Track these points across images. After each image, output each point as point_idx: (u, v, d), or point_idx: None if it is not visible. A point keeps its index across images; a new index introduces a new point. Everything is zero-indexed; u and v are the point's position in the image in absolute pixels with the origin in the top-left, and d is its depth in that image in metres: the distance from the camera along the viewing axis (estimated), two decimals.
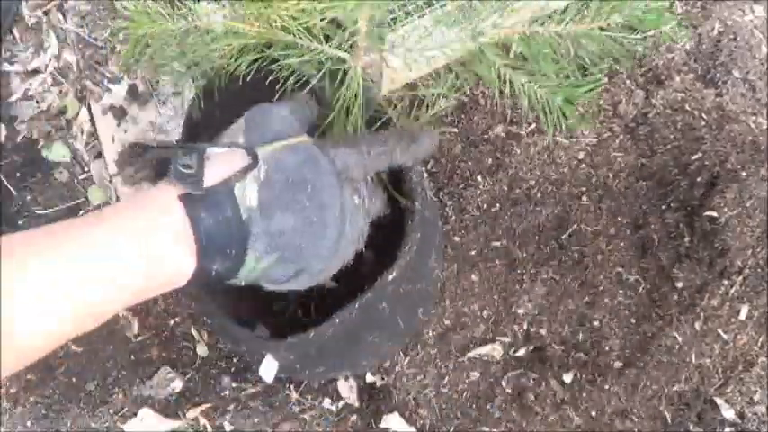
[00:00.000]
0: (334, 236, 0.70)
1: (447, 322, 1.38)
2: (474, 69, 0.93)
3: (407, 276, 1.10)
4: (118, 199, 1.52)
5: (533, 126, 1.51)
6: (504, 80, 0.94)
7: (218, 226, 0.64)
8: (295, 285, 0.75)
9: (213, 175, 0.66)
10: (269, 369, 1.12)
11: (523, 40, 0.91)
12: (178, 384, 1.38)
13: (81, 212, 1.54)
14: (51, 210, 1.54)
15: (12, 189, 1.55)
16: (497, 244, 1.43)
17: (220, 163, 0.68)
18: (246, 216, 0.66)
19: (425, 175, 1.31)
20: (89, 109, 1.59)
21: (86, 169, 1.57)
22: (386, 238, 1.07)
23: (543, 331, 1.37)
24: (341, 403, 1.36)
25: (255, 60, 0.92)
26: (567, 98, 0.95)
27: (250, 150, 0.68)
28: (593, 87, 0.94)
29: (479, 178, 1.47)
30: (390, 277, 1.04)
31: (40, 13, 1.71)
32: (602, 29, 0.91)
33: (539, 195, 1.45)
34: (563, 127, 0.96)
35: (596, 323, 1.36)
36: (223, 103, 1.01)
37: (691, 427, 1.25)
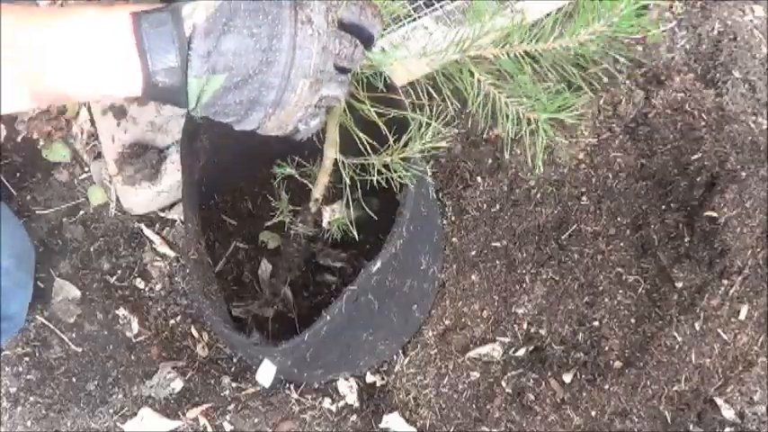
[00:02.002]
0: (283, 62, 0.73)
1: (447, 322, 1.38)
2: (456, 83, 0.93)
3: (394, 269, 1.10)
4: (118, 199, 1.52)
5: (533, 126, 1.51)
6: (486, 96, 0.94)
7: (157, 36, 0.71)
8: (253, 122, 0.78)
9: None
10: (266, 374, 1.12)
11: (501, 57, 0.90)
12: (178, 384, 1.38)
13: (81, 212, 1.54)
14: (51, 210, 1.54)
15: (12, 189, 1.55)
16: (497, 244, 1.43)
17: None
18: (190, 32, 0.71)
19: (429, 172, 1.31)
20: (89, 109, 1.59)
21: (86, 169, 1.58)
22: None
23: (543, 331, 1.37)
24: (341, 403, 1.36)
25: None
26: (549, 116, 0.95)
27: None
28: (566, 104, 0.93)
29: (479, 179, 1.47)
30: (374, 268, 1.04)
31: None
32: (581, 44, 0.91)
33: (539, 196, 1.45)
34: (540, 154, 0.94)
35: (596, 323, 1.36)
36: None
37: (691, 427, 1.25)
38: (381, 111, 0.96)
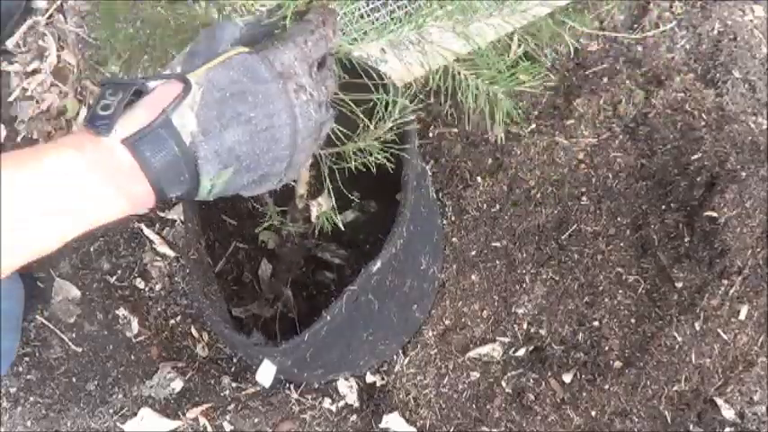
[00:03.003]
0: (288, 135, 0.72)
1: (447, 322, 1.38)
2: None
3: (394, 269, 1.10)
4: None
5: (533, 126, 1.51)
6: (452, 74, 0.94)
7: (165, 160, 0.67)
8: (265, 188, 0.77)
9: (153, 108, 0.68)
10: (266, 374, 1.12)
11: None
12: (178, 384, 1.38)
13: None
14: None
15: None
16: (497, 244, 1.43)
17: (159, 95, 0.70)
18: (190, 141, 0.68)
19: (429, 173, 1.31)
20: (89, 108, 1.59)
21: None
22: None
23: (543, 331, 1.37)
24: (341, 403, 1.36)
25: None
26: (507, 92, 0.95)
27: (180, 77, 0.70)
28: (531, 76, 0.93)
29: (479, 179, 1.47)
30: (374, 268, 1.04)
31: (40, 16, 1.71)
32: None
33: (539, 196, 1.45)
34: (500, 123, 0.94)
35: (596, 323, 1.36)
36: None
37: (691, 427, 1.25)
38: (347, 96, 0.95)
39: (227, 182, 0.72)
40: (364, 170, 0.99)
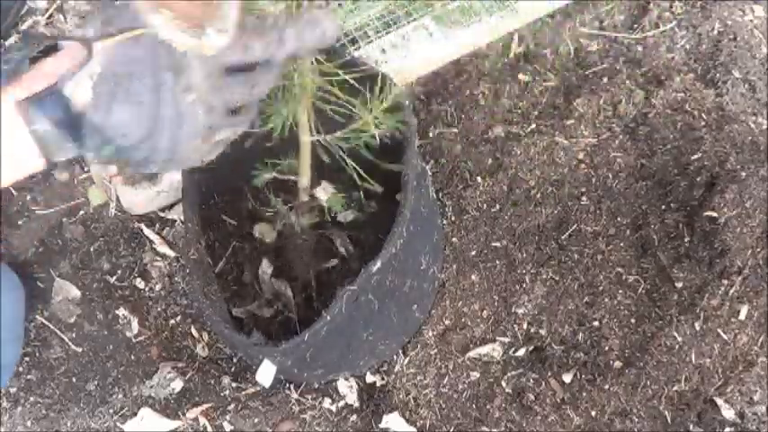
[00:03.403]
0: (169, 128, 0.72)
1: (447, 322, 1.38)
2: None
3: (394, 269, 1.10)
4: (118, 199, 1.52)
5: (533, 126, 1.51)
6: None
7: (49, 128, 0.70)
8: (150, 170, 0.78)
9: (57, 69, 0.71)
10: (266, 374, 1.12)
11: None
12: (178, 384, 1.38)
13: (81, 212, 1.54)
14: (51, 210, 1.54)
15: (12, 189, 1.55)
16: (497, 244, 1.43)
17: (65, 56, 0.72)
18: (79, 112, 0.70)
19: (429, 172, 1.31)
20: None
21: (86, 169, 1.57)
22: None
23: (543, 331, 1.37)
24: (341, 403, 1.36)
25: None
26: None
27: (87, 43, 0.71)
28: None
29: (479, 179, 1.47)
30: (374, 268, 1.04)
31: (40, 16, 1.71)
32: None
33: (539, 196, 1.45)
34: None
35: (596, 323, 1.36)
36: None
37: (691, 427, 1.25)
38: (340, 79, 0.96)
39: (110, 156, 0.73)
40: (366, 170, 0.99)
